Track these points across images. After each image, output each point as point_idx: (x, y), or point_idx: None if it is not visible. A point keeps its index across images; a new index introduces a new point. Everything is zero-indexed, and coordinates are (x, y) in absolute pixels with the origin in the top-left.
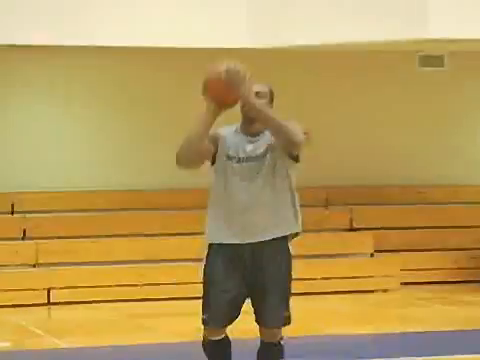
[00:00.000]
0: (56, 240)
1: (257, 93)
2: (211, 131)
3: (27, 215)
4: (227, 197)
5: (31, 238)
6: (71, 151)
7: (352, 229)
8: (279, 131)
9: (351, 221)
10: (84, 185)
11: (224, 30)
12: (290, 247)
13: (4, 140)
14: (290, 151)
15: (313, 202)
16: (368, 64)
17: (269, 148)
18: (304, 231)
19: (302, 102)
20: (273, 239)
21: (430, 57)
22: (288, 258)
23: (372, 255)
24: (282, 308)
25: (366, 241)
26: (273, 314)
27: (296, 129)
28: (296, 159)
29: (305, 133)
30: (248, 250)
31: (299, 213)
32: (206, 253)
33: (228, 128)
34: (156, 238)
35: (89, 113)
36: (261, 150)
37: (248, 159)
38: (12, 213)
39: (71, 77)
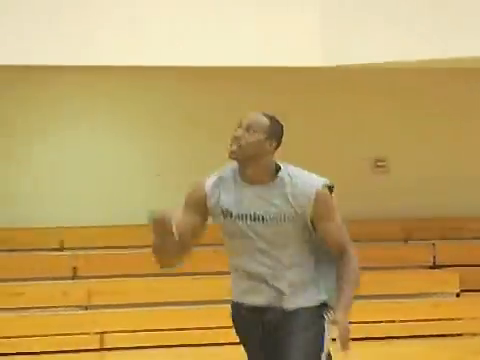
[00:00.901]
0: (110, 279)
1: (248, 127)
2: (195, 189)
3: (77, 252)
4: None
5: (82, 277)
6: (124, 181)
7: (435, 266)
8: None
9: (434, 258)
10: (140, 218)
11: (296, 49)
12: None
13: (50, 171)
14: None
15: (391, 237)
16: (449, 83)
17: (284, 213)
18: (381, 269)
19: (376, 124)
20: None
21: None
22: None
23: (458, 295)
24: None
25: (451, 280)
26: None
27: (355, 271)
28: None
29: (381, 162)
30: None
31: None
32: None
33: (219, 173)
34: (221, 276)
35: (140, 141)
36: (270, 210)
37: (251, 218)
38: (61, 250)
39: (116, 102)
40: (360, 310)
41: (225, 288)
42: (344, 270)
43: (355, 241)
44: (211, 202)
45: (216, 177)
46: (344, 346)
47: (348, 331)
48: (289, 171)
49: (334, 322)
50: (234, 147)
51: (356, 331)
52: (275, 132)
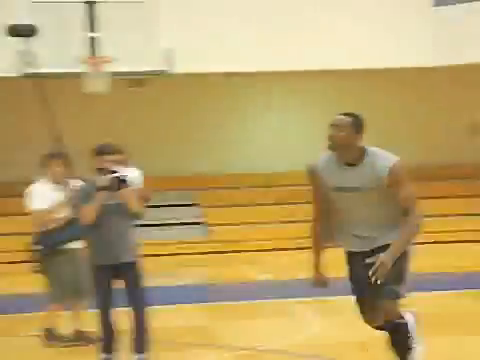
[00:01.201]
0: None
1: (337, 127)
2: (310, 171)
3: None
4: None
5: None
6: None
7: None
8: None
9: None
10: None
11: (410, 50)
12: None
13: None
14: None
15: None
16: None
17: (370, 185)
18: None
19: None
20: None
21: None
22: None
23: None
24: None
25: None
26: None
27: (412, 228)
28: None
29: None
30: None
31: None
32: None
33: (324, 157)
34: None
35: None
36: (361, 183)
37: (349, 189)
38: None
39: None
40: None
41: None
42: (404, 226)
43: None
44: (323, 179)
45: (322, 161)
46: (374, 275)
47: (384, 268)
48: (371, 153)
49: (379, 260)
50: (330, 143)
51: None
52: (357, 126)
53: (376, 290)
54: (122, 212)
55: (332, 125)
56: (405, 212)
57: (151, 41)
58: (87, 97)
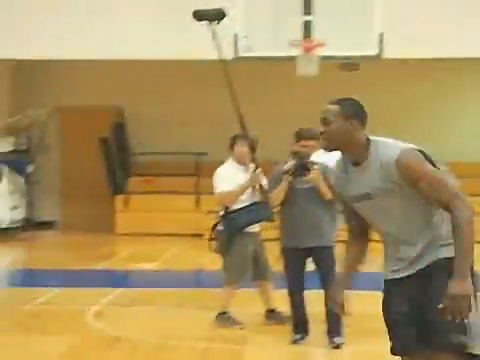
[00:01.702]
0: None
1: (325, 120)
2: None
3: None
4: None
5: None
6: None
7: None
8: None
9: None
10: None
11: None
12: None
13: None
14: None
15: None
16: None
17: (382, 186)
18: None
19: None
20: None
21: None
22: None
23: None
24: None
25: None
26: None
27: (464, 230)
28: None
29: None
30: None
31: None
32: None
33: (338, 161)
34: None
35: None
36: (370, 187)
37: (360, 198)
38: None
39: None
40: None
41: None
42: (454, 233)
43: None
44: (336, 190)
45: (335, 167)
46: (442, 315)
47: (460, 303)
48: (374, 144)
49: (448, 292)
50: (323, 142)
51: None
52: (350, 112)
53: (426, 337)
54: (313, 196)
55: (321, 119)
56: (445, 206)
57: (363, 25)
58: (296, 80)
